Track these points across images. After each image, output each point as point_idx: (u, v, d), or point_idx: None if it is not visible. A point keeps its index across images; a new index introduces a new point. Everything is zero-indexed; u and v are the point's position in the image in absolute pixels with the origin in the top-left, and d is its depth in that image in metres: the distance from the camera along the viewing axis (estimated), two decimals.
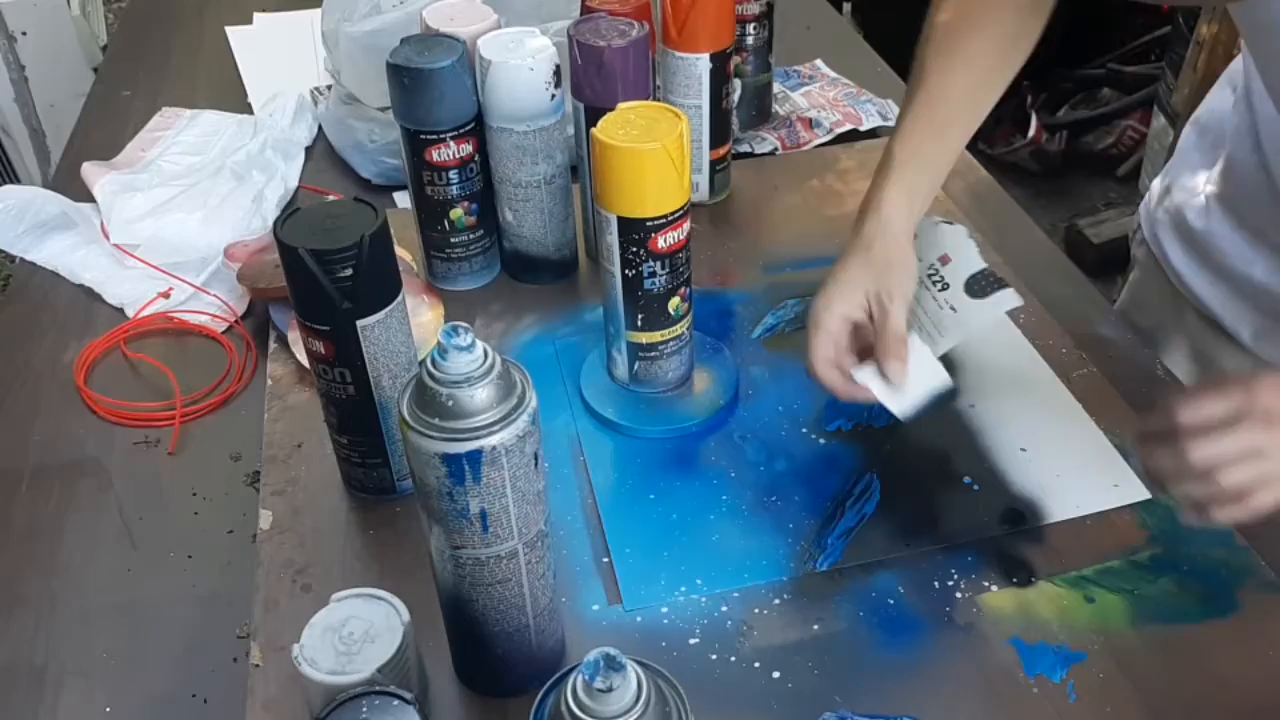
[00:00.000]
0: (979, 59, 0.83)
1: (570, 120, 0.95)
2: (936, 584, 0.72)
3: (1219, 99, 0.95)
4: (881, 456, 0.81)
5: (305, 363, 0.81)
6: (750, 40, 1.17)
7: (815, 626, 0.70)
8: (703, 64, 1.02)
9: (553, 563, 0.64)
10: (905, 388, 0.76)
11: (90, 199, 1.10)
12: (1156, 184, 1.02)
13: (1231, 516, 0.64)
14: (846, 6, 2.65)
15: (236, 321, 0.97)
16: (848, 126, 1.21)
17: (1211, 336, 0.94)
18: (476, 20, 0.94)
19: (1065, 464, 0.80)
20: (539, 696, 0.50)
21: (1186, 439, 0.64)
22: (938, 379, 0.78)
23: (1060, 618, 0.70)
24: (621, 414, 0.85)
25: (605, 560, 0.75)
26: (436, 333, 0.54)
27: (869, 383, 0.77)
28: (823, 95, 1.27)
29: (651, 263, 0.79)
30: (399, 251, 0.77)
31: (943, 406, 0.78)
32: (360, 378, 0.72)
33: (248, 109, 1.29)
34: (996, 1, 0.82)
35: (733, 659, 0.68)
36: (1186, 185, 0.95)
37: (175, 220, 1.05)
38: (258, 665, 0.68)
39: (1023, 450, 0.81)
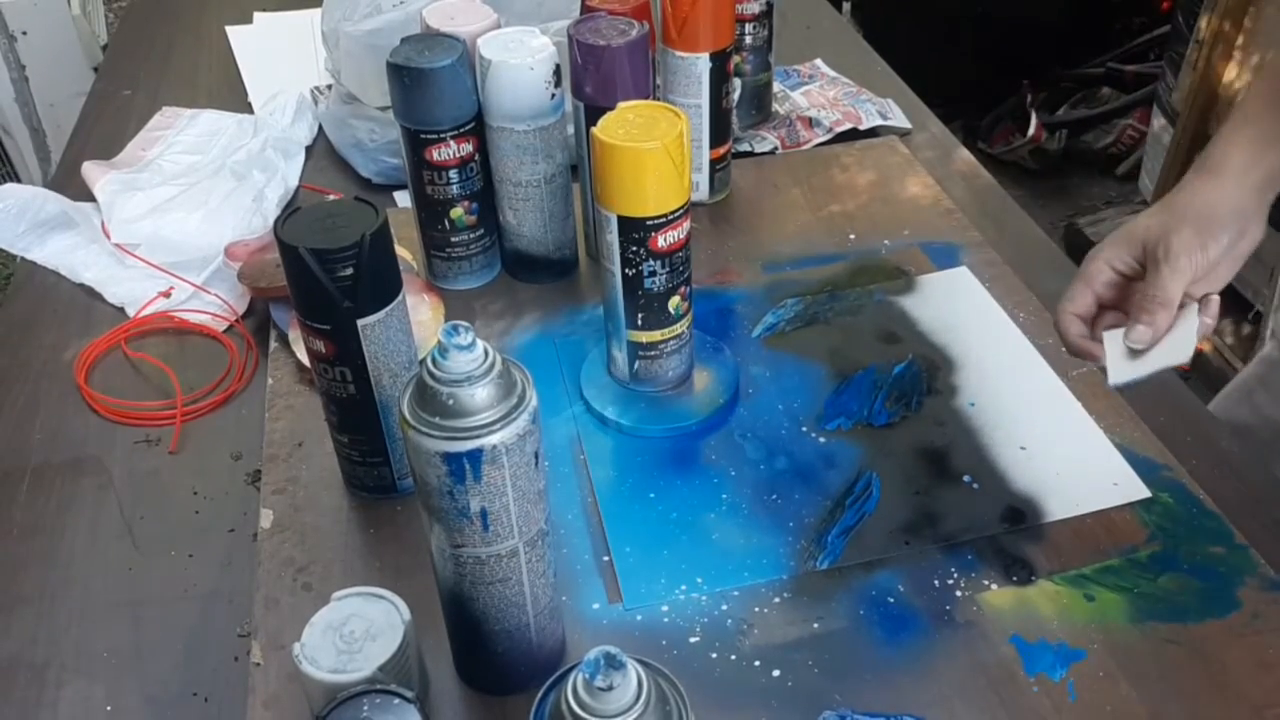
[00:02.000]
0: None
1: (570, 120, 0.95)
2: (936, 582, 0.72)
3: None
4: (881, 455, 0.81)
5: (306, 362, 0.82)
6: (750, 40, 1.17)
7: (815, 625, 0.70)
8: (703, 63, 1.02)
9: (553, 561, 0.64)
10: (1144, 356, 0.69)
11: (91, 198, 1.10)
12: None
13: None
14: (846, 6, 2.65)
15: (237, 321, 0.97)
16: (847, 125, 1.22)
17: None
18: (476, 20, 0.94)
19: (1065, 463, 0.80)
20: (539, 695, 0.51)
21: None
22: (1180, 355, 0.69)
23: (1060, 616, 0.70)
24: (621, 413, 0.85)
25: (605, 559, 0.75)
26: (437, 332, 0.54)
27: (1110, 344, 0.70)
28: (822, 95, 1.28)
29: (651, 262, 0.79)
30: (399, 251, 0.77)
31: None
32: (361, 377, 0.72)
33: (248, 108, 1.30)
34: None
35: (733, 657, 0.68)
36: None
37: (176, 219, 1.05)
38: (258, 664, 0.68)
39: (1023, 449, 0.81)
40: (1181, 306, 0.69)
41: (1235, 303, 2.08)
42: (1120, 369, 0.70)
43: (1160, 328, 0.69)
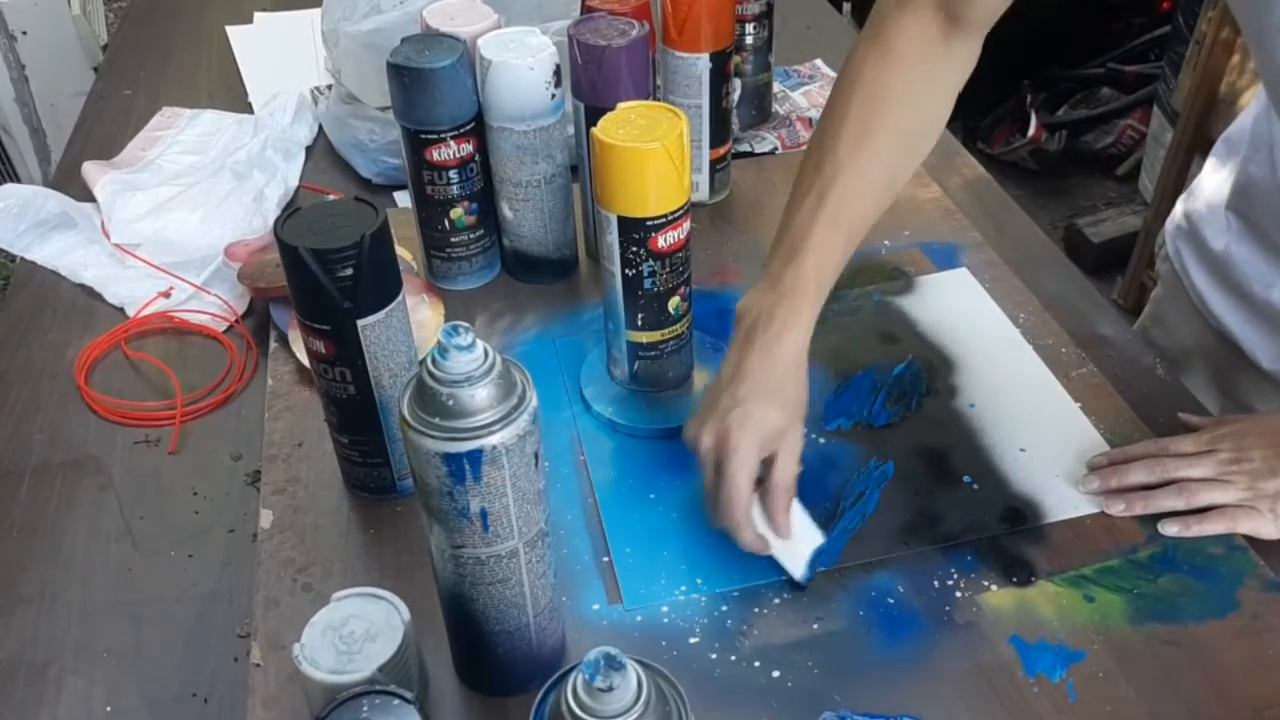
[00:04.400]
0: (889, 158, 0.79)
1: (570, 120, 0.95)
2: (936, 583, 0.72)
3: (1244, 116, 0.94)
4: (881, 456, 0.81)
5: (306, 362, 0.82)
6: (750, 40, 1.17)
7: (815, 626, 0.70)
8: (703, 64, 1.02)
9: (553, 562, 0.64)
10: (793, 546, 0.72)
11: (91, 198, 1.10)
12: (1180, 203, 1.00)
13: (1205, 530, 0.74)
14: (846, 6, 2.65)
15: (237, 321, 0.97)
16: None
17: (1232, 359, 0.92)
18: (477, 20, 0.94)
19: (1065, 464, 0.80)
20: (539, 696, 0.51)
21: (1164, 464, 0.76)
22: (813, 536, 0.74)
23: (1060, 617, 0.70)
24: (621, 413, 0.85)
25: (605, 560, 0.75)
26: (437, 332, 0.54)
27: (771, 541, 0.72)
28: (822, 95, 1.28)
29: (651, 262, 0.79)
30: (399, 251, 0.77)
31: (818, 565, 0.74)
32: (361, 377, 0.72)
33: (248, 108, 1.30)
34: (904, 97, 0.78)
35: (733, 658, 0.68)
36: (1208, 204, 0.94)
37: (176, 219, 1.05)
38: (258, 664, 0.68)
39: (1022, 450, 0.81)
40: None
41: None
42: (794, 564, 0.72)
43: (789, 510, 0.72)
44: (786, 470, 0.72)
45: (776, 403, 0.72)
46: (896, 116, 0.78)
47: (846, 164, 0.77)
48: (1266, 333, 0.89)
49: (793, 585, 0.73)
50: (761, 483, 0.72)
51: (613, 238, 0.78)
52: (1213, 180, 0.95)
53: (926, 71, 0.79)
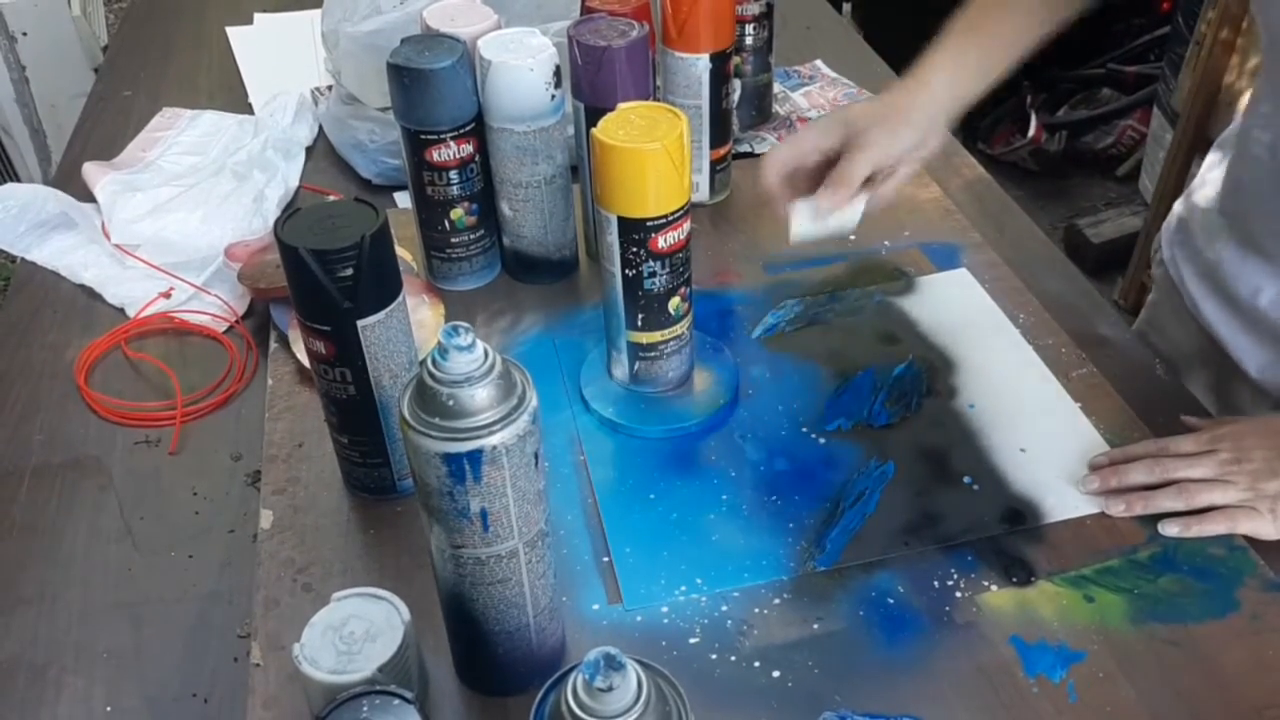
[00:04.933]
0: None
1: (570, 120, 0.95)
2: (936, 583, 0.72)
3: (1236, 120, 0.93)
4: (881, 456, 0.81)
5: (306, 362, 0.82)
6: (750, 40, 1.17)
7: (815, 626, 0.70)
8: (703, 64, 1.02)
9: (553, 562, 0.64)
10: (820, 223, 0.84)
11: (91, 199, 1.10)
12: (1176, 205, 1.00)
13: (1205, 531, 0.74)
14: (846, 6, 2.65)
15: (237, 321, 0.97)
16: None
17: (1226, 365, 0.91)
18: (477, 20, 0.94)
19: (1065, 464, 0.80)
20: (539, 696, 0.51)
21: (1164, 464, 0.76)
22: (848, 225, 0.85)
23: (1060, 617, 0.70)
24: (621, 414, 0.85)
25: (605, 560, 0.75)
26: (437, 332, 0.54)
27: (796, 211, 0.84)
28: (823, 95, 1.28)
29: (651, 263, 0.79)
30: (399, 251, 0.77)
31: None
32: (361, 377, 0.72)
33: (248, 109, 1.30)
34: None
35: (733, 658, 0.68)
36: (1201, 208, 0.94)
37: (176, 220, 1.05)
38: (258, 664, 0.68)
39: (1022, 450, 0.81)
40: (867, 184, 0.84)
41: None
42: (800, 230, 0.85)
43: (838, 201, 0.82)
44: (843, 161, 0.82)
45: (862, 106, 0.85)
46: None
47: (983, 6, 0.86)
48: (1255, 340, 0.88)
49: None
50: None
51: (613, 238, 0.78)
52: (1205, 184, 0.95)
53: None
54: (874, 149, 0.82)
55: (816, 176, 0.84)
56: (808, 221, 0.84)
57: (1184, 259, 0.95)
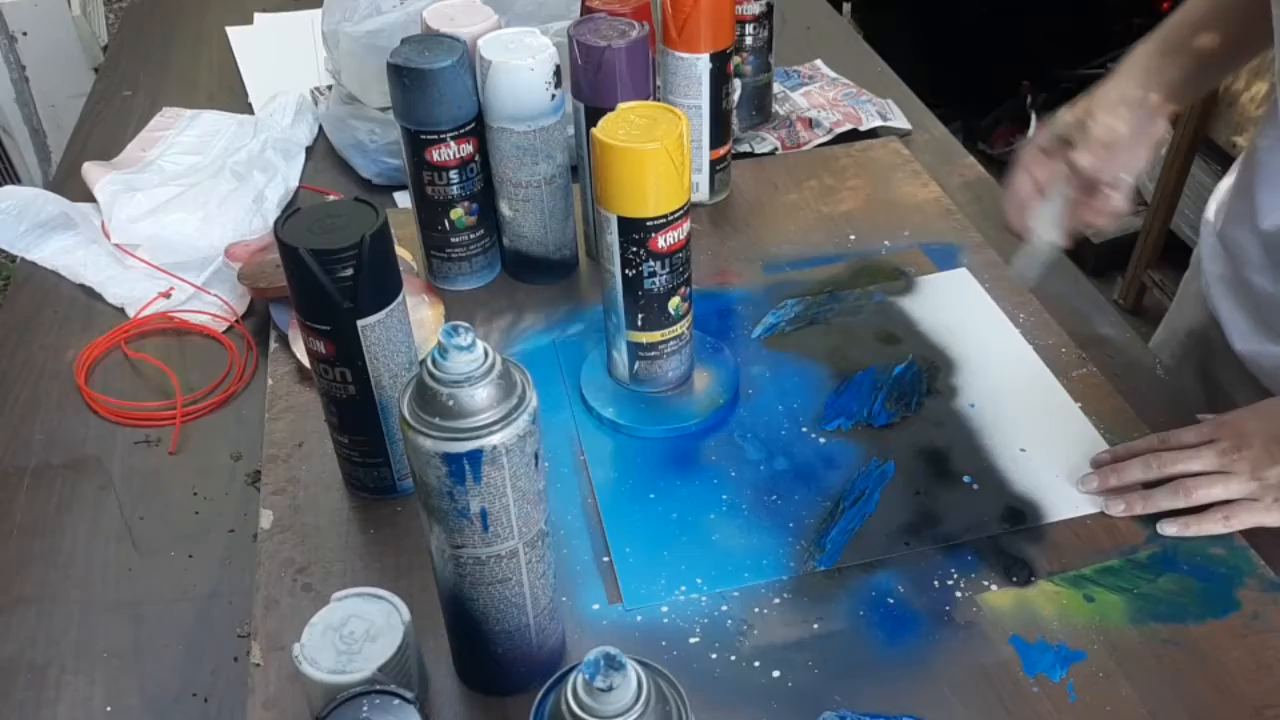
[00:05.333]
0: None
1: (570, 120, 0.95)
2: (936, 583, 0.72)
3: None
4: (881, 456, 0.81)
5: (306, 362, 0.82)
6: (750, 40, 1.17)
7: (815, 625, 0.70)
8: (703, 64, 1.02)
9: (553, 562, 0.64)
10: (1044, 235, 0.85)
11: (91, 199, 1.10)
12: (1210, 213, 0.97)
13: (1204, 530, 0.74)
14: (846, 6, 2.65)
15: (237, 321, 0.97)
16: (848, 126, 1.22)
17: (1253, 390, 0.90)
18: (477, 20, 0.94)
19: (1065, 464, 0.80)
20: (539, 696, 0.51)
21: (1162, 458, 0.75)
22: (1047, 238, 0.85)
23: (1060, 617, 0.70)
24: (621, 414, 0.85)
25: (605, 559, 0.75)
26: (437, 332, 0.54)
27: (1039, 217, 0.85)
28: (823, 95, 1.28)
29: (651, 262, 0.79)
30: (399, 251, 0.77)
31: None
32: (361, 377, 0.72)
33: (248, 109, 1.30)
34: None
35: (733, 658, 0.68)
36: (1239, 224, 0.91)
37: (176, 220, 1.05)
38: (258, 664, 0.68)
39: (1022, 450, 0.81)
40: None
41: None
42: (1035, 252, 0.86)
43: (1112, 170, 0.82)
44: (1078, 150, 0.82)
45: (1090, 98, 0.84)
46: None
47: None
48: (1247, 315, 0.89)
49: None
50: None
51: (613, 238, 0.78)
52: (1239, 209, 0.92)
53: None
54: (1095, 132, 0.82)
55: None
56: (1051, 226, 0.85)
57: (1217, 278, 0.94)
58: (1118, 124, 0.82)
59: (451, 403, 0.54)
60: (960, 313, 0.95)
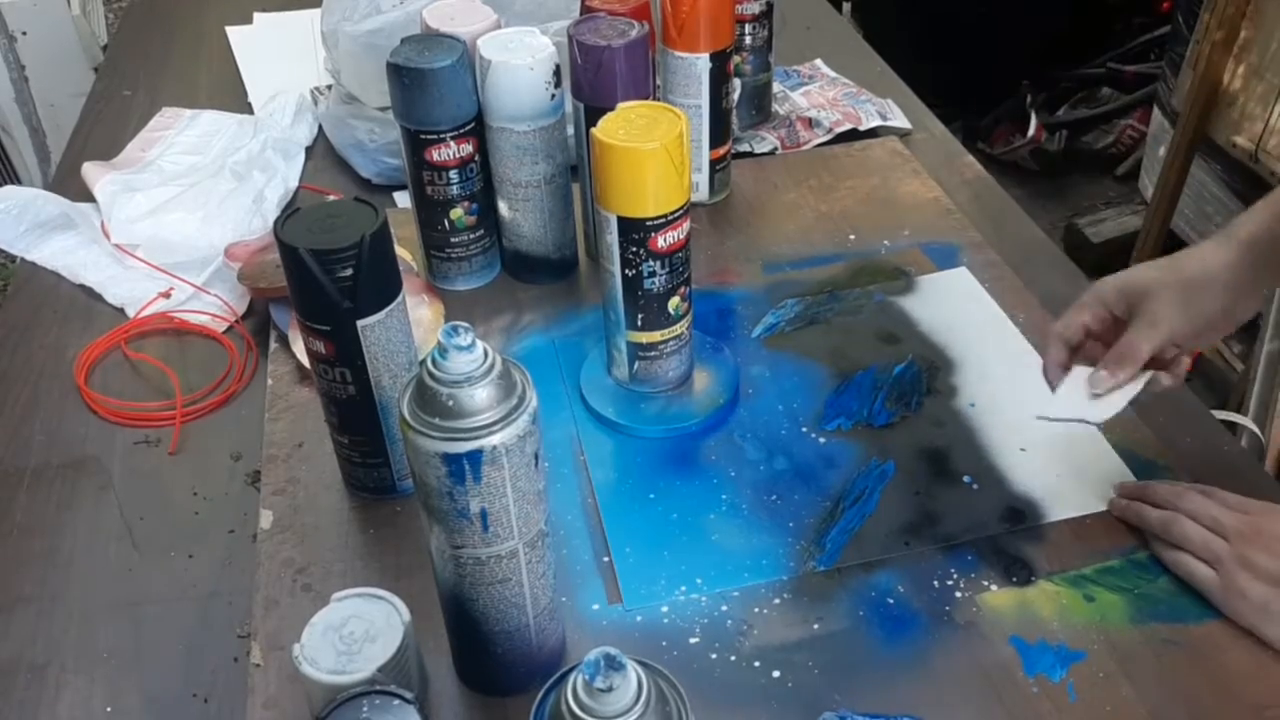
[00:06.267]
0: None
1: (570, 120, 0.95)
2: (936, 583, 0.72)
3: None
4: (881, 456, 0.81)
5: (306, 362, 0.82)
6: (750, 40, 1.17)
7: (815, 625, 0.70)
8: (703, 64, 1.02)
9: (553, 562, 0.64)
10: (1080, 403, 0.74)
11: (91, 199, 1.10)
12: None
13: (1180, 568, 0.71)
14: (846, 6, 2.65)
15: (237, 321, 0.97)
16: (847, 126, 1.22)
17: None
18: (477, 20, 0.94)
19: (1065, 464, 0.80)
20: (539, 696, 0.51)
21: (1170, 493, 0.73)
22: (1104, 413, 0.74)
23: (1060, 617, 0.70)
24: (621, 414, 0.85)
25: (605, 560, 0.75)
26: (437, 332, 0.54)
27: (1071, 380, 0.75)
28: (822, 95, 1.28)
29: (651, 262, 0.79)
30: (399, 251, 0.77)
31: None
32: (361, 377, 0.72)
33: (248, 109, 1.30)
34: None
35: (733, 658, 0.68)
36: None
37: (176, 220, 1.05)
38: (258, 665, 0.68)
39: (1022, 450, 0.81)
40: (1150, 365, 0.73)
41: None
42: (1054, 409, 0.75)
43: (1120, 379, 0.72)
44: (1129, 336, 0.71)
45: (1160, 271, 0.72)
46: None
47: None
48: None
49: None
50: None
51: (613, 238, 0.78)
52: None
53: None
54: (1161, 324, 0.70)
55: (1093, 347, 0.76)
56: (1076, 393, 0.74)
57: None
58: (1194, 316, 0.70)
59: (451, 403, 0.54)
60: (960, 312, 0.95)
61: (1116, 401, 0.73)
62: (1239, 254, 0.70)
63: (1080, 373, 0.75)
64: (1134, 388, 0.73)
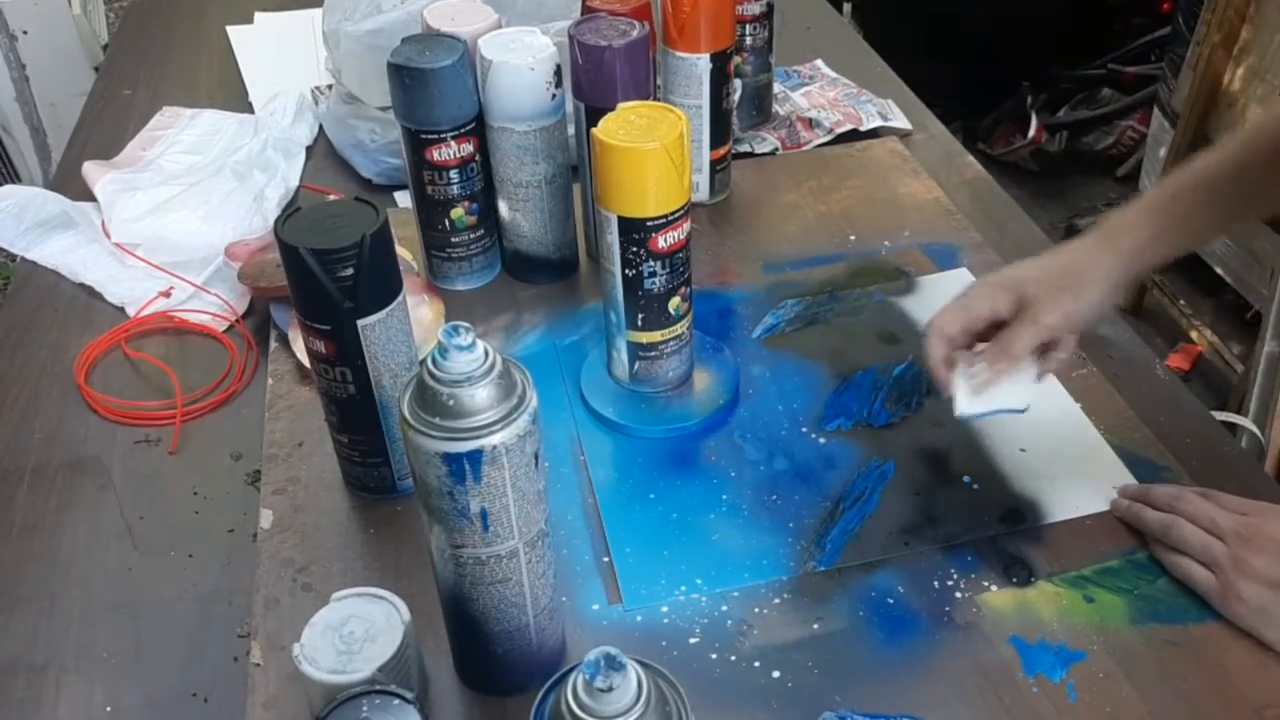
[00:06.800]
0: (1257, 182, 0.75)
1: (570, 120, 0.95)
2: (936, 583, 0.72)
3: None
4: (881, 456, 0.81)
5: (306, 362, 0.82)
6: (750, 40, 1.17)
7: (815, 626, 0.70)
8: (703, 64, 1.02)
9: (553, 562, 0.64)
10: (986, 396, 0.75)
11: (91, 198, 1.10)
12: None
13: (1178, 570, 0.71)
14: (846, 6, 2.65)
15: (237, 320, 0.97)
16: (848, 126, 1.22)
17: None
18: (477, 20, 0.94)
19: (1065, 464, 0.80)
20: (539, 696, 0.51)
21: (1169, 495, 0.74)
22: (1015, 400, 0.77)
23: (1060, 617, 0.70)
24: (621, 414, 0.85)
25: (605, 560, 0.75)
26: (437, 332, 0.54)
27: (959, 379, 0.75)
28: (823, 95, 1.28)
29: (651, 262, 0.79)
30: (399, 251, 0.77)
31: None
32: (361, 377, 0.72)
33: (248, 108, 1.30)
34: None
35: (733, 658, 0.68)
36: None
37: (176, 219, 1.05)
38: (258, 664, 0.68)
39: (1022, 450, 0.81)
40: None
41: (1235, 303, 2.08)
42: (966, 403, 0.76)
43: (999, 376, 0.74)
44: (1009, 334, 0.74)
45: (1040, 270, 0.75)
46: None
47: (1211, 167, 0.75)
48: None
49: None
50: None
51: (613, 238, 0.78)
52: None
53: None
54: (1046, 318, 0.73)
55: (984, 340, 0.77)
56: (969, 396, 0.76)
57: None
58: (1074, 314, 0.74)
59: (452, 403, 0.54)
60: None
61: (1020, 392, 0.76)
62: (1117, 256, 0.74)
63: (966, 376, 0.76)
64: (1030, 375, 0.76)
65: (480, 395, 0.54)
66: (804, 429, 0.84)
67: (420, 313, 0.91)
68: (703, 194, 1.09)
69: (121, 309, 1.00)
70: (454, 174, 0.93)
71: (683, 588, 0.72)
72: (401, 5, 1.08)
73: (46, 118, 2.14)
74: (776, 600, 0.72)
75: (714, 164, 1.08)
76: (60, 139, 1.96)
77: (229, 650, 0.71)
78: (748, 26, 1.16)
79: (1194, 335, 2.07)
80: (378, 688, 0.56)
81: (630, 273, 0.79)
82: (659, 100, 0.94)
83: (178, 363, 0.93)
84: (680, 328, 0.84)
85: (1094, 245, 0.75)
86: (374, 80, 1.07)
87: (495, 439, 0.55)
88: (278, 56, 1.41)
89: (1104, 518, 0.76)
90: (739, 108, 1.17)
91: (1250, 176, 0.74)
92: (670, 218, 0.77)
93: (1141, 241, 0.75)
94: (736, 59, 1.13)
